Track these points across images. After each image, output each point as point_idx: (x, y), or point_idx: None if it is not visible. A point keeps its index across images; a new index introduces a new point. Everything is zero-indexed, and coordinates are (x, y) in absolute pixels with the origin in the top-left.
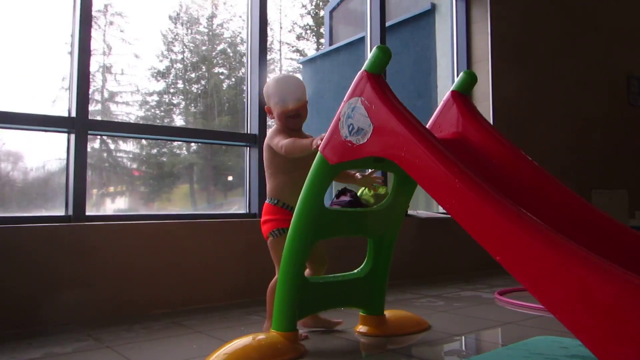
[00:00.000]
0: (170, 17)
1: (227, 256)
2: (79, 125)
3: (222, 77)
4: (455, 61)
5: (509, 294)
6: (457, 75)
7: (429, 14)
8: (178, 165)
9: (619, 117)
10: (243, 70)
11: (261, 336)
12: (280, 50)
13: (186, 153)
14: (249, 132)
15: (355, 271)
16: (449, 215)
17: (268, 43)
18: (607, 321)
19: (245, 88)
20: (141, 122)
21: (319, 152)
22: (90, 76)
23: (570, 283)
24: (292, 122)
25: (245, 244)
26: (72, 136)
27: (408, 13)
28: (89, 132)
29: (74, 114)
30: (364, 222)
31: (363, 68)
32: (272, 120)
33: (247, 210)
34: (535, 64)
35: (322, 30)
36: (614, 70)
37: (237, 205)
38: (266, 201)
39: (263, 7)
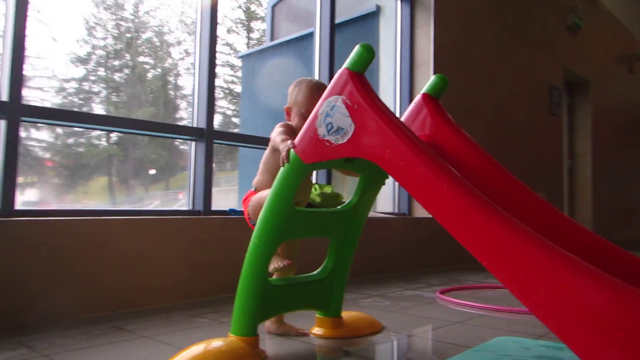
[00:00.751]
0: (92, 1)
1: (170, 255)
2: (11, 110)
3: (147, 66)
4: (399, 63)
5: (449, 293)
6: (400, 77)
7: (374, 15)
8: (96, 157)
9: (541, 124)
10: (170, 60)
11: (219, 342)
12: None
13: (106, 144)
14: (195, 125)
15: (316, 272)
16: (388, 216)
17: (198, 34)
18: (597, 327)
19: (193, 80)
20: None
21: (292, 151)
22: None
23: (559, 289)
24: None
25: (190, 242)
26: (3, 122)
27: (352, 13)
28: (22, 119)
29: (5, 98)
30: (329, 223)
31: (345, 66)
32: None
33: (192, 207)
34: (470, 71)
35: (252, 24)
36: (537, 81)
37: (159, 200)
38: (251, 189)
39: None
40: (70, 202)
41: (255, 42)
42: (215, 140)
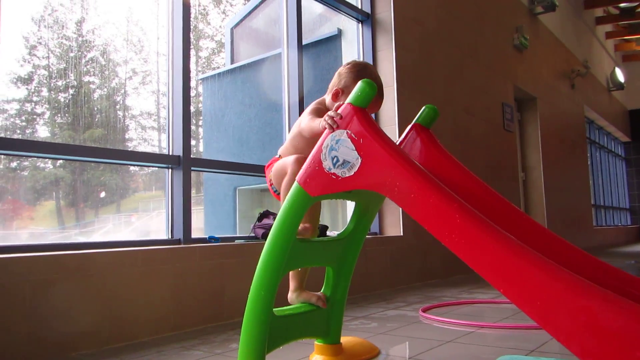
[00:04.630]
0: (32, 19)
1: (153, 286)
2: None
3: (92, 86)
4: None
5: (431, 311)
6: None
7: (336, 38)
8: (42, 180)
9: (497, 140)
10: (117, 80)
11: None
12: (157, 62)
13: (51, 167)
14: (171, 153)
15: None
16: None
17: (145, 54)
18: (617, 349)
19: (167, 104)
20: (41, 140)
21: (297, 184)
22: None
23: (576, 313)
24: None
25: (172, 272)
26: None
27: (314, 36)
28: None
29: None
30: (327, 251)
31: (348, 101)
32: (328, 94)
33: (170, 236)
34: (430, 91)
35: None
36: (491, 98)
37: (111, 224)
38: (276, 155)
39: (186, 18)
40: (15, 228)
41: (204, 60)
42: (193, 168)
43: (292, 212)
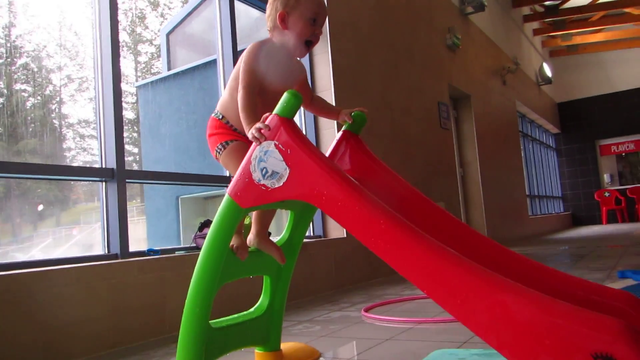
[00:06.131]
0: None
1: (90, 305)
2: None
3: (25, 94)
4: None
5: (373, 310)
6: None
7: None
8: None
9: (434, 138)
10: (51, 87)
11: None
12: (94, 67)
13: None
14: (104, 165)
15: (253, 310)
16: (305, 240)
17: (80, 59)
18: (529, 338)
19: (95, 114)
20: None
21: (227, 196)
22: None
23: (492, 307)
24: (305, 49)
25: (110, 288)
26: None
27: (250, 40)
28: None
29: None
30: (264, 261)
31: (275, 112)
32: (271, 30)
33: (107, 251)
34: (368, 93)
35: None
36: (427, 98)
37: (50, 238)
38: (212, 114)
39: (114, 17)
40: None
41: (144, 65)
42: (128, 180)
43: (224, 225)
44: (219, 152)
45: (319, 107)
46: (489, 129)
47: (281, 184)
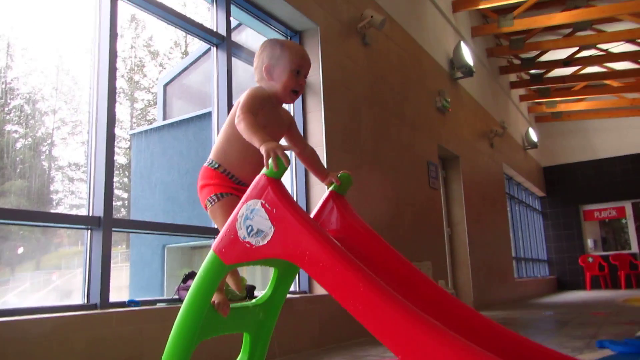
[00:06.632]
0: None
1: (65, 357)
2: None
3: (15, 135)
4: None
5: None
6: (296, 160)
7: None
8: None
9: (423, 197)
10: (43, 129)
11: None
12: (89, 111)
13: None
14: (91, 212)
15: None
16: (290, 295)
17: (75, 103)
18: None
19: (87, 157)
20: None
21: (212, 252)
22: None
23: None
24: (291, 97)
25: (87, 341)
26: None
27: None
28: None
29: None
30: (245, 317)
31: (262, 172)
32: (259, 82)
33: (86, 301)
34: (359, 151)
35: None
36: (417, 157)
37: (29, 282)
38: (205, 164)
39: (112, 64)
40: None
41: (139, 112)
42: (115, 229)
43: (207, 281)
44: (211, 203)
45: (310, 162)
46: (476, 189)
47: (265, 242)
